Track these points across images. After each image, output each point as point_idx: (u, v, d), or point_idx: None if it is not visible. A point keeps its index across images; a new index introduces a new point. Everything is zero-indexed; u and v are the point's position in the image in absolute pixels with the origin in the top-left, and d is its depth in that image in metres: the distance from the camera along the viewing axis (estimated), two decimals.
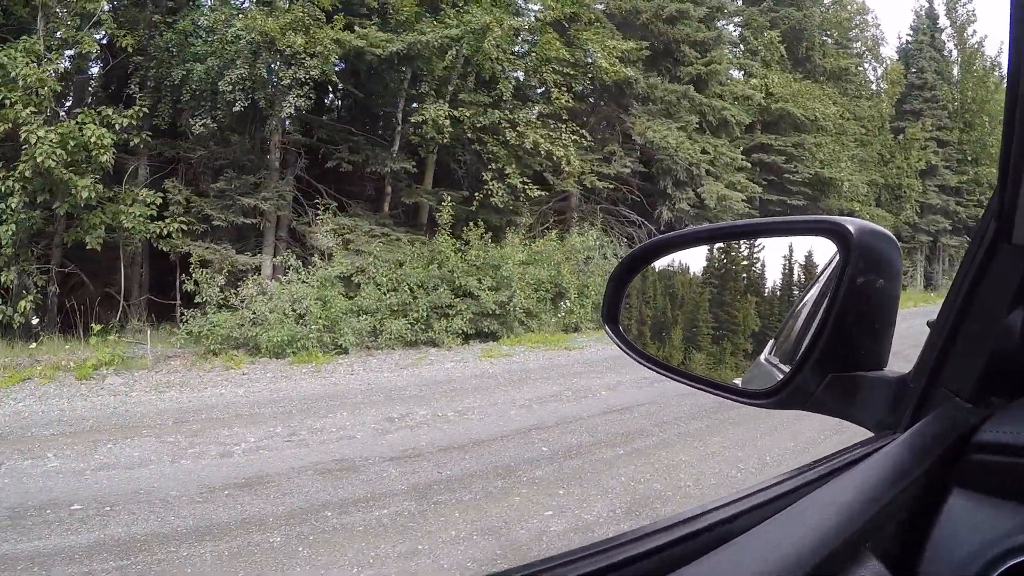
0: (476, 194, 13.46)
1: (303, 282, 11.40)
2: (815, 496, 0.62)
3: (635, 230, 17.97)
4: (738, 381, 1.16)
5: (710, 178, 17.97)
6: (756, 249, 1.13)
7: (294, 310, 10.86)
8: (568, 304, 12.69)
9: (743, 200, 18.93)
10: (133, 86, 12.39)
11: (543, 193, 14.22)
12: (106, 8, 11.73)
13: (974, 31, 35.10)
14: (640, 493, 4.74)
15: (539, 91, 14.39)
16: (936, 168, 32.06)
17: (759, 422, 6.29)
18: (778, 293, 1.12)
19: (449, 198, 12.50)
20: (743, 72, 21.68)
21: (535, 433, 6.19)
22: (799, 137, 21.04)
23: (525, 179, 13.64)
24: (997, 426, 0.65)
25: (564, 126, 13.99)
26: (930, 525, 0.60)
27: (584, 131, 14.40)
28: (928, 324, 0.82)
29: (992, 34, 35.81)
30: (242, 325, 10.50)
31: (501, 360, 9.89)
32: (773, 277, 1.11)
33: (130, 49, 11.81)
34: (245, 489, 4.91)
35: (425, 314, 11.26)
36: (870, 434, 0.85)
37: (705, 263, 1.19)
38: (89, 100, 12.86)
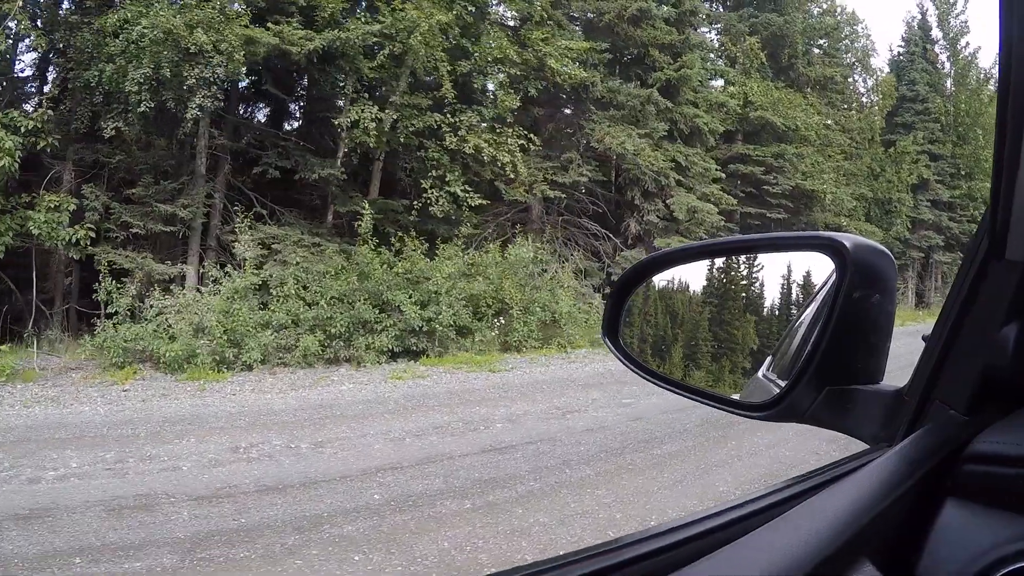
0: (415, 203, 12.48)
1: (214, 294, 10.43)
2: (811, 503, 0.63)
3: (601, 243, 16.95)
4: (736, 397, 1.17)
5: (681, 189, 16.93)
6: (755, 269, 1.14)
7: (198, 323, 9.89)
8: (502, 321, 11.62)
9: (718, 213, 17.87)
10: (54, 88, 11.68)
11: (487, 202, 13.20)
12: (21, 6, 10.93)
13: (967, 43, 33.96)
14: (455, 567, 3.66)
15: (490, 93, 13.36)
16: (928, 182, 30.93)
17: (663, 470, 5.25)
18: (776, 312, 1.14)
19: (367, 206, 11.47)
20: (722, 80, 20.69)
21: (383, 475, 5.15)
22: (779, 147, 19.94)
23: (467, 187, 12.63)
24: (990, 437, 0.66)
25: (511, 130, 12.99)
26: (925, 533, 0.61)
27: (532, 136, 13.37)
28: (923, 339, 0.81)
29: (986, 46, 34.71)
30: (142, 338, 9.59)
31: (409, 383, 8.83)
32: (772, 296, 1.13)
33: (40, 50, 11.06)
34: (18, 522, 4.23)
35: (344, 330, 10.24)
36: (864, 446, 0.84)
37: (705, 282, 1.20)
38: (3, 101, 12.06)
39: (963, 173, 32.30)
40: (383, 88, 11.99)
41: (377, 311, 10.69)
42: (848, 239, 0.89)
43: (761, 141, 20.42)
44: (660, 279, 1.25)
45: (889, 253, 0.91)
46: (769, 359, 1.13)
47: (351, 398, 7.78)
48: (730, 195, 19.04)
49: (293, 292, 10.64)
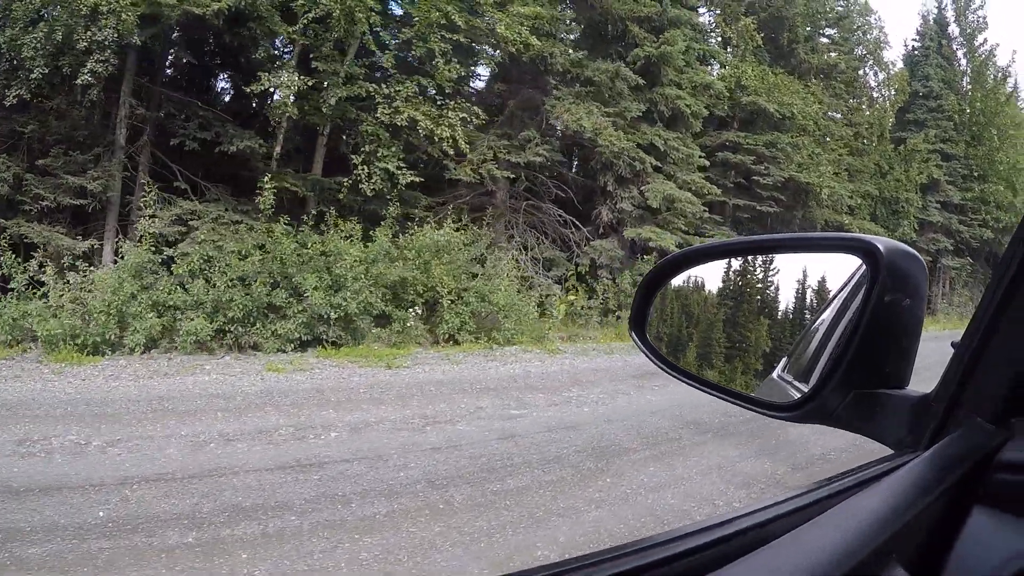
0: (345, 180, 11.36)
1: (109, 271, 9.43)
2: (845, 506, 0.62)
3: (571, 231, 15.69)
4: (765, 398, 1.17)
5: (660, 176, 15.61)
6: (771, 272, 1.14)
7: (86, 302, 8.92)
8: (418, 311, 10.42)
9: (703, 204, 16.52)
10: None
11: (419, 179, 11.97)
12: None
13: (985, 39, 31.95)
14: None
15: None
16: (939, 183, 29.18)
17: (480, 514, 4.03)
18: (791, 315, 1.13)
19: (268, 180, 10.31)
20: (716, 63, 19.25)
21: (138, 487, 4.06)
22: (773, 135, 18.41)
23: (401, 164, 11.47)
24: (1020, 446, 0.67)
25: (452, 103, 11.80)
26: (953, 540, 0.60)
27: (478, 110, 12.15)
28: (952, 345, 0.81)
29: (1004, 43, 32.83)
30: (30, 315, 8.69)
31: (283, 376, 7.65)
32: (786, 299, 1.13)
33: None
34: None
35: (242, 314, 9.15)
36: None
37: (720, 283, 1.21)
38: None
39: (976, 175, 30.47)
40: (313, 55, 10.85)
41: (287, 295, 9.58)
42: (881, 242, 0.89)
43: (756, 129, 18.93)
44: (677, 279, 1.26)
45: (920, 257, 0.90)
46: (784, 360, 1.14)
47: (201, 391, 6.64)
48: (717, 185, 17.70)
49: (198, 271, 9.58)
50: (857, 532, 0.54)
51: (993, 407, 0.72)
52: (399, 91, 11.17)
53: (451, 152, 11.79)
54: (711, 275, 1.21)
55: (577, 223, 15.59)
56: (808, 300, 1.09)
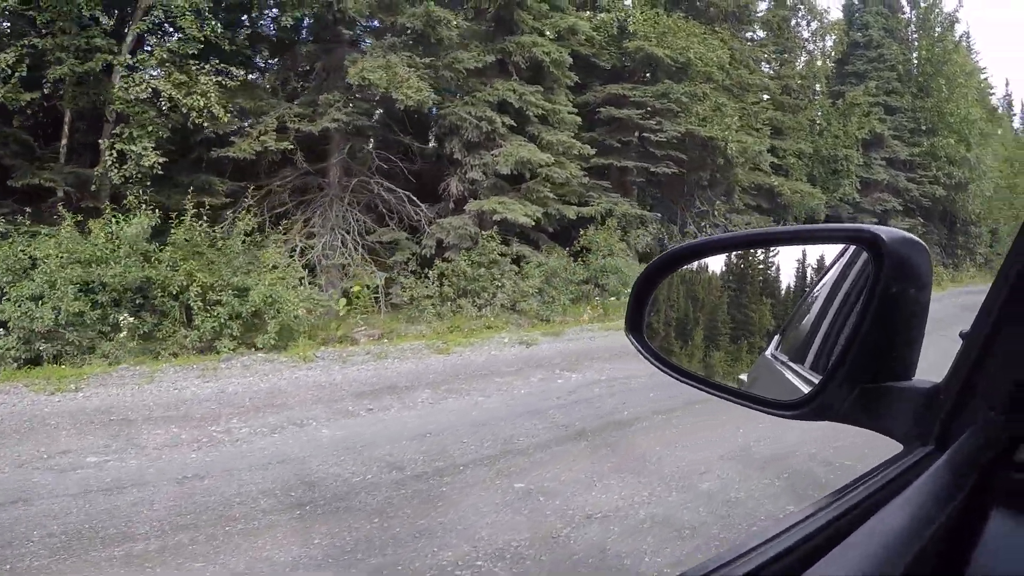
0: (97, 169, 9.09)
1: None
2: (877, 522, 0.60)
3: (420, 211, 13.29)
4: (744, 376, 1.18)
5: (519, 138, 13.20)
6: (772, 254, 1.14)
7: None
8: (128, 318, 8.06)
9: (580, 167, 14.13)
10: None
11: (162, 157, 9.54)
12: None
13: None
14: None
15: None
16: (883, 138, 26.79)
17: None
18: (792, 296, 1.12)
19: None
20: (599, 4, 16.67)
21: None
22: (665, 85, 15.85)
23: (146, 145, 9.10)
24: None
25: (203, 67, 9.40)
26: (972, 544, 0.59)
27: (232, 68, 9.75)
28: (961, 335, 0.77)
29: None
30: None
31: None
32: (787, 280, 1.12)
33: None
34: None
35: None
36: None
37: (724, 268, 1.22)
38: None
39: (924, 128, 28.07)
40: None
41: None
42: (883, 231, 0.87)
43: (658, 81, 16.30)
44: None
45: (924, 245, 0.87)
46: (776, 338, 1.15)
47: None
48: (602, 146, 15.31)
49: None
50: (886, 559, 0.54)
51: (1006, 398, 0.70)
52: (142, 60, 8.82)
53: (203, 122, 9.39)
54: (713, 263, 1.20)
55: (414, 199, 13.16)
56: (808, 279, 1.07)
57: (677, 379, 1.13)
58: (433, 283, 11.91)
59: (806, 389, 0.95)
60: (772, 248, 1.15)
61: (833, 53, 27.12)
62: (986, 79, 35.18)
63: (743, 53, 18.87)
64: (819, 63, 25.83)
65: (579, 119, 14.42)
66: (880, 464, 0.77)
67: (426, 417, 5.98)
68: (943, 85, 27.67)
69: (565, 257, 13.66)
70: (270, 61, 13.59)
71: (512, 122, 13.05)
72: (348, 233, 12.48)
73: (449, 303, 11.80)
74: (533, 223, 12.89)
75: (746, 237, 1.34)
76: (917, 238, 0.87)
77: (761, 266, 1.15)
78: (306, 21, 12.08)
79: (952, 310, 9.15)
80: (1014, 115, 45.65)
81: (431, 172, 13.91)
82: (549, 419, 5.85)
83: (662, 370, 1.15)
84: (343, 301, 10.66)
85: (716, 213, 17.88)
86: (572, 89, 15.59)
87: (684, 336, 1.27)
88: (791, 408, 0.93)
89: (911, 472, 0.70)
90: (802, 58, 26.18)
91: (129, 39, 9.61)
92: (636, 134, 15.29)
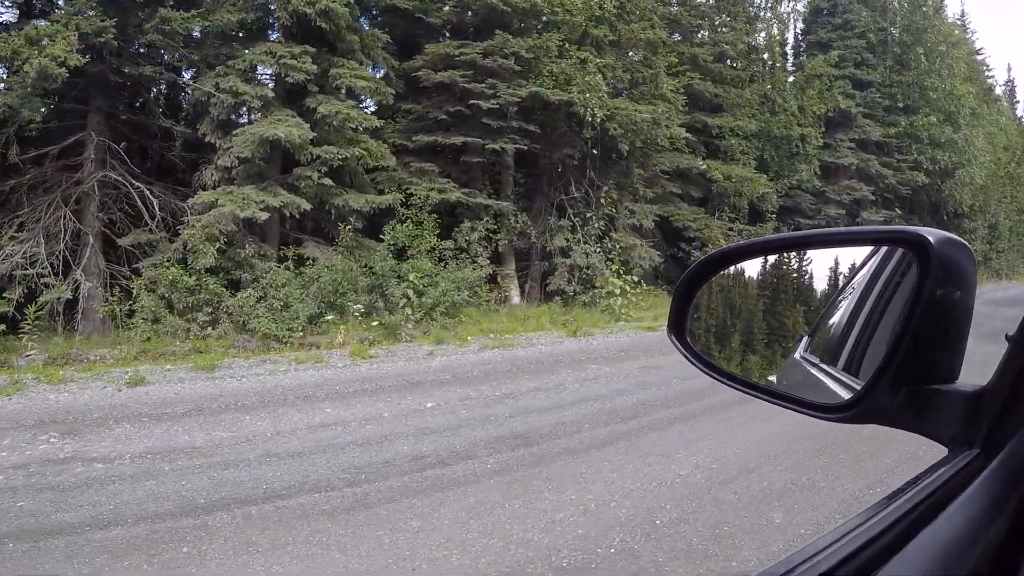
0: None
1: None
2: (931, 532, 0.62)
3: (177, 206, 10.45)
4: (773, 378, 1.18)
5: (286, 112, 10.23)
6: (805, 263, 1.13)
7: None
8: None
9: (376, 145, 11.08)
10: None
11: None
12: None
13: None
14: None
15: None
16: (851, 116, 22.92)
17: None
18: (822, 298, 1.12)
19: None
20: None
21: None
22: (501, 39, 12.21)
23: None
24: None
25: None
26: (1022, 551, 0.59)
27: None
28: (1007, 338, 0.77)
29: None
30: None
31: None
32: (819, 284, 1.11)
33: None
34: None
35: None
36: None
37: (759, 277, 1.21)
38: None
39: (901, 106, 24.02)
40: None
41: None
42: (931, 233, 0.83)
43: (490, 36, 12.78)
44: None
45: (969, 246, 0.84)
46: (806, 340, 1.14)
47: None
48: (425, 120, 12.19)
49: None
50: (945, 569, 0.53)
51: None
52: None
53: None
54: (748, 271, 1.20)
55: (154, 191, 10.31)
56: (833, 281, 1.06)
57: (719, 380, 1.12)
58: (139, 296, 9.08)
59: (840, 390, 0.96)
60: (816, 249, 1.11)
61: (791, 20, 23.33)
62: (983, 58, 30.88)
63: (644, 9, 15.27)
64: (772, 30, 22.01)
65: (386, 87, 11.29)
66: (927, 469, 0.77)
67: None
68: (921, 56, 23.55)
69: (356, 260, 10.66)
70: None
71: (270, 93, 10.09)
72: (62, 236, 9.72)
73: (154, 322, 8.96)
74: (295, 215, 10.02)
75: (791, 239, 1.10)
76: (962, 240, 0.83)
77: (795, 275, 1.14)
78: None
79: None
80: (1017, 102, 40.92)
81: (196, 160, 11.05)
82: None
83: (704, 371, 1.14)
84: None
85: (607, 201, 14.48)
86: (395, 54, 12.55)
87: (723, 342, 1.27)
88: (836, 411, 0.91)
89: (959, 477, 0.70)
90: (759, 27, 22.44)
91: None
92: (466, 102, 11.98)
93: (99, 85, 10.14)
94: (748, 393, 1.06)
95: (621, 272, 13.41)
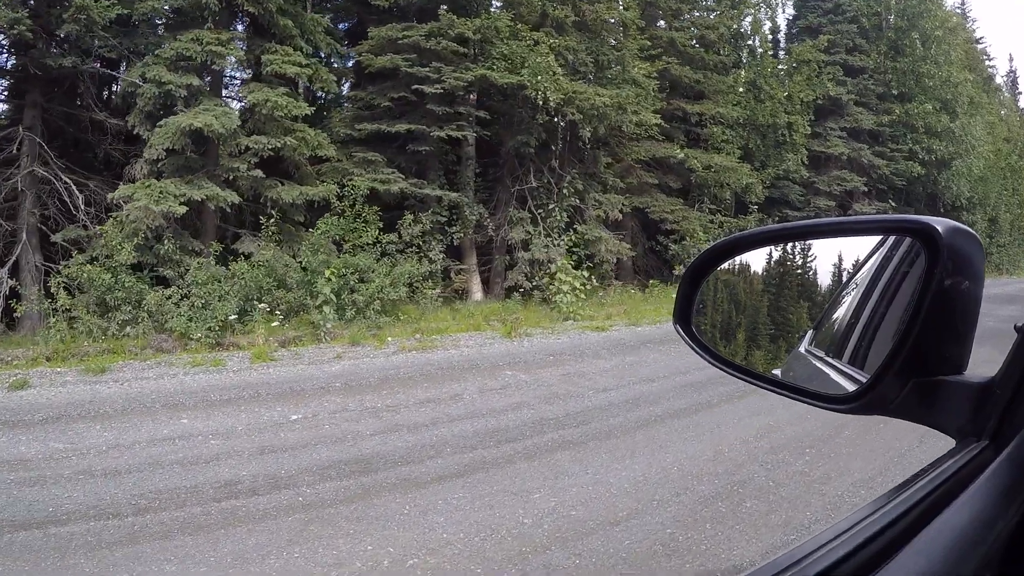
0: None
1: None
2: (941, 523, 0.60)
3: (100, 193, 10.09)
4: (777, 372, 1.14)
5: (216, 100, 9.79)
6: (809, 259, 1.11)
7: None
8: None
9: (315, 134, 10.60)
10: None
11: None
12: None
13: None
14: None
15: None
16: (842, 104, 22.08)
17: None
18: (827, 291, 1.11)
19: None
20: None
21: None
22: (447, 19, 11.41)
23: None
24: None
25: None
26: None
27: None
28: (1016, 329, 0.75)
29: None
30: None
31: None
32: (823, 282, 1.10)
33: None
34: None
35: None
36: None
37: (763, 273, 1.20)
38: None
39: (895, 93, 23.10)
40: None
41: None
42: (940, 223, 0.81)
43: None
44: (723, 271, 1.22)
45: (976, 235, 0.82)
46: (810, 333, 1.14)
47: None
48: (366, 107, 11.68)
49: None
50: (954, 562, 0.53)
51: None
52: None
53: None
54: (754, 263, 1.18)
55: (88, 186, 9.95)
56: (837, 272, 1.05)
57: (725, 370, 1.11)
58: (57, 294, 8.73)
59: (846, 383, 0.94)
60: (823, 239, 1.09)
61: (780, 4, 22.45)
62: (983, 47, 29.69)
63: None
64: (759, 15, 21.18)
65: (328, 74, 10.82)
66: (935, 460, 0.76)
67: None
68: (917, 42, 22.61)
69: (294, 255, 10.24)
70: None
71: (196, 81, 9.64)
72: None
73: (70, 321, 8.62)
74: (227, 209, 9.63)
75: (799, 228, 1.05)
76: (970, 229, 0.81)
77: (799, 271, 1.13)
78: None
79: None
80: (1019, 93, 39.51)
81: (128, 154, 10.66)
82: None
83: (710, 362, 1.13)
84: None
85: (570, 192, 13.90)
86: (343, 40, 12.06)
87: (728, 337, 1.25)
88: (843, 401, 0.91)
89: (967, 468, 0.69)
90: (745, 11, 21.59)
91: None
92: (410, 88, 11.42)
93: (34, 80, 9.78)
94: (756, 384, 1.05)
95: (583, 266, 12.89)
